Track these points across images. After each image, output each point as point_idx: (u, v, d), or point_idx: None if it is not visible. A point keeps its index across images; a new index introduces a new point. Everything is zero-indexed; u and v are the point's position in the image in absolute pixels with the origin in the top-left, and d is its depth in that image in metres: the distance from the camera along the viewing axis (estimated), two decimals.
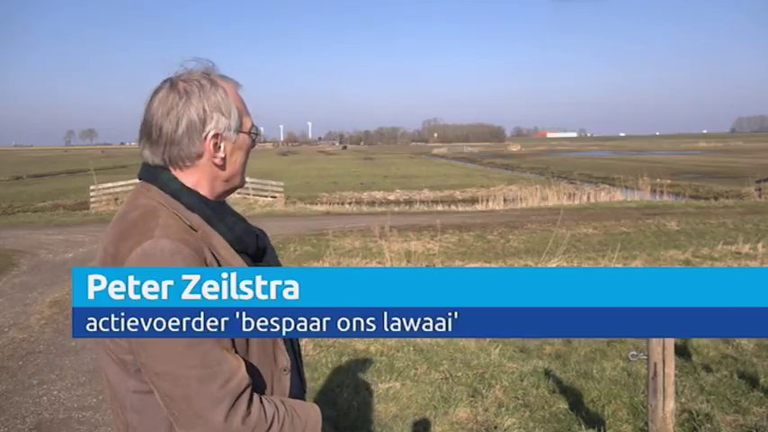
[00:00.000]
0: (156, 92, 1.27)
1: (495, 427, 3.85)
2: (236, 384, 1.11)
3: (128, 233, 1.18)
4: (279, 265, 1.41)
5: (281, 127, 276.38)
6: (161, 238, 1.14)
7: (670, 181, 26.19)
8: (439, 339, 5.86)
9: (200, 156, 1.26)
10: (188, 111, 1.23)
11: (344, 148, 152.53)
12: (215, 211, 1.27)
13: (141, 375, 1.16)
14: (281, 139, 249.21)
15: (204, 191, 1.28)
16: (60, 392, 4.67)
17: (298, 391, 1.36)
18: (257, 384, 1.22)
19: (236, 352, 1.18)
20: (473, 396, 4.32)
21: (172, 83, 1.26)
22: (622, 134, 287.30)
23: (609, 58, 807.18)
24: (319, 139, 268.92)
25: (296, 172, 41.21)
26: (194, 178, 1.28)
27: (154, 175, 1.27)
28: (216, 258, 1.19)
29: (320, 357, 5.19)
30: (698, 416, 3.80)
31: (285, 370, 1.29)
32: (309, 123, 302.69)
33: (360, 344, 5.54)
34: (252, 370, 1.20)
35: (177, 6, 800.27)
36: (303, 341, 5.57)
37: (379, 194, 26.21)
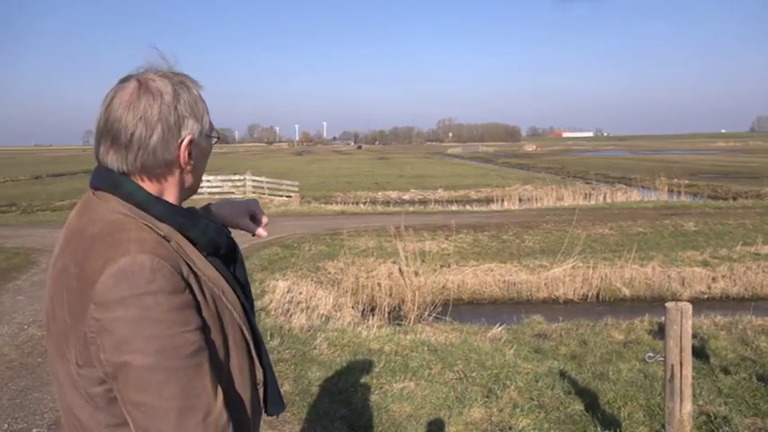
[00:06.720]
0: (121, 90, 1.14)
1: (510, 428, 3.83)
2: (214, 420, 1.05)
3: (94, 250, 1.06)
4: (243, 261, 1.34)
5: (297, 127, 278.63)
6: (139, 253, 1.04)
7: (688, 181, 25.85)
8: (453, 339, 5.85)
9: (170, 163, 1.16)
10: (164, 115, 1.13)
11: (359, 147, 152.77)
12: (186, 217, 1.18)
13: (113, 408, 1.08)
14: (297, 138, 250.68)
15: (171, 199, 1.19)
16: None
17: (278, 406, 1.35)
18: (238, 398, 1.20)
19: (217, 365, 1.12)
20: (488, 396, 4.31)
21: (140, 81, 1.14)
22: (639, 134, 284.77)
23: (625, 57, 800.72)
24: (334, 138, 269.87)
25: (311, 171, 41.32)
26: (161, 187, 1.18)
27: (114, 184, 1.14)
28: (192, 270, 1.12)
29: (334, 357, 5.21)
30: (715, 418, 3.76)
31: (260, 383, 1.28)
32: (324, 123, 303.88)
33: (374, 343, 5.55)
34: (231, 383, 1.18)
35: (192, 5, 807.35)
36: (317, 340, 5.60)
37: (393, 194, 26.07)
